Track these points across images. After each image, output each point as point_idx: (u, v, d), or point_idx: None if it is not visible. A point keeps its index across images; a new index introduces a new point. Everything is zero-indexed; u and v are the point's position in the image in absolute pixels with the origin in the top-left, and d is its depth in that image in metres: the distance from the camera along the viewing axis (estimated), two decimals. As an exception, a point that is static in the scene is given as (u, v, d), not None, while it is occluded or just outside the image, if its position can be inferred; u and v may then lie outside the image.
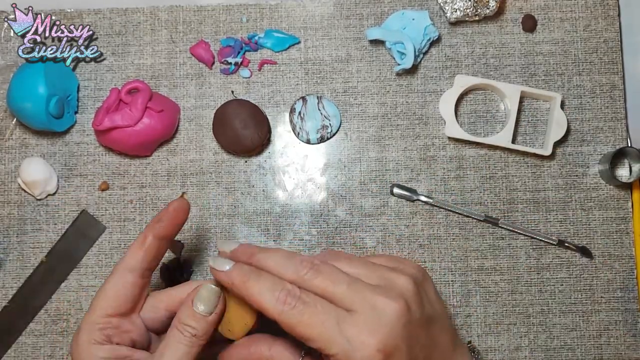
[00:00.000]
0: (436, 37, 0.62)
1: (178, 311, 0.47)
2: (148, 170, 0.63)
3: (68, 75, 0.63)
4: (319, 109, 0.62)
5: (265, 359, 0.47)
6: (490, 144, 0.61)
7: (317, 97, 0.62)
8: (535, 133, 0.63)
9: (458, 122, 0.62)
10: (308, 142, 0.62)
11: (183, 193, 0.60)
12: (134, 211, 0.62)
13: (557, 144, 0.62)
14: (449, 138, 0.62)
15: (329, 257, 0.47)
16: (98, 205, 0.62)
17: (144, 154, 0.63)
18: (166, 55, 0.64)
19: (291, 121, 0.62)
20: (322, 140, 0.62)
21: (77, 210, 0.62)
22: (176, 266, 0.61)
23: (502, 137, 0.61)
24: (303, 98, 0.62)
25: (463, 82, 0.62)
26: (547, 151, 0.61)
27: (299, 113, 0.62)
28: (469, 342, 0.51)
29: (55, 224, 0.62)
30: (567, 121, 0.61)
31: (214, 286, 0.47)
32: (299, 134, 0.62)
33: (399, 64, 0.62)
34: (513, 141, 0.61)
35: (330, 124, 0.62)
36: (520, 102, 0.62)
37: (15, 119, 0.63)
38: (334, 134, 0.63)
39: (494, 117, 0.63)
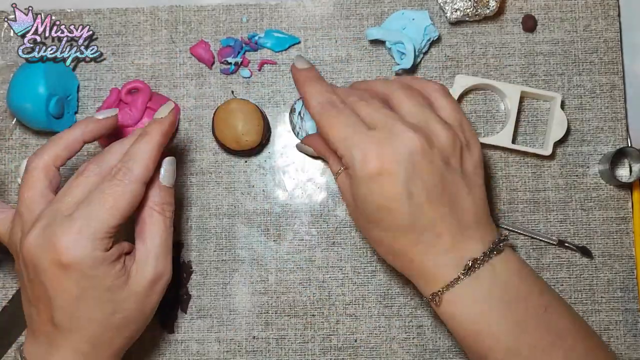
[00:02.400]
0: (436, 37, 0.62)
1: (151, 195, 0.52)
2: (148, 170, 0.63)
3: (68, 75, 0.63)
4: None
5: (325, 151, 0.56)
6: (490, 143, 0.61)
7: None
8: (535, 133, 0.63)
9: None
10: None
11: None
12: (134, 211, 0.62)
13: (557, 144, 0.62)
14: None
15: (395, 84, 0.53)
16: (98, 205, 0.62)
17: (144, 154, 0.62)
18: (166, 55, 0.64)
19: (291, 121, 0.62)
20: None
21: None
22: (176, 266, 0.61)
23: (502, 137, 0.61)
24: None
25: (463, 82, 0.62)
26: (547, 151, 0.61)
27: (299, 113, 0.62)
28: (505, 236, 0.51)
29: (55, 224, 0.62)
30: (567, 121, 0.61)
31: (173, 158, 0.53)
32: (298, 133, 0.62)
33: (398, 64, 0.62)
34: (513, 141, 0.61)
35: None
36: (520, 102, 0.62)
37: (15, 119, 0.63)
38: None
39: (494, 117, 0.63)
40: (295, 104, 0.62)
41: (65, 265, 0.47)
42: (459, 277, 0.48)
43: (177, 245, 0.62)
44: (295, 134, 0.62)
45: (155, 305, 0.53)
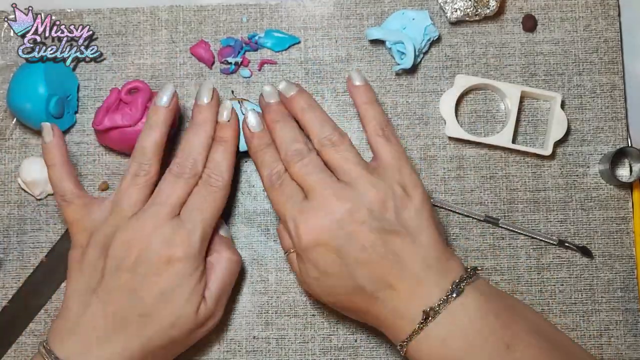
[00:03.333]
0: (436, 37, 0.62)
1: (217, 242, 0.57)
2: (148, 170, 0.63)
3: (68, 75, 0.63)
4: (242, 113, 0.58)
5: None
6: (490, 143, 0.61)
7: (239, 102, 0.59)
8: (535, 133, 0.63)
9: (458, 122, 0.62)
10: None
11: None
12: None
13: (557, 144, 0.62)
14: (449, 138, 0.62)
15: (332, 139, 0.54)
16: (98, 205, 0.62)
17: (144, 154, 0.62)
18: (166, 55, 0.64)
19: None
20: None
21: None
22: None
23: (503, 137, 0.61)
24: None
25: (463, 82, 0.62)
26: (548, 151, 0.61)
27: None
28: (474, 268, 0.51)
29: (55, 224, 0.62)
30: (568, 121, 0.61)
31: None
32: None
33: (398, 64, 0.62)
34: (513, 141, 0.61)
35: None
36: (520, 102, 0.62)
37: (15, 119, 0.63)
38: None
39: (494, 117, 0.63)
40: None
41: (175, 259, 0.51)
42: (418, 328, 0.48)
43: None
44: None
45: (194, 341, 0.56)
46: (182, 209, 0.54)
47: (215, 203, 0.54)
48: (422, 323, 0.48)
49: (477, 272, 0.51)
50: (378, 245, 0.49)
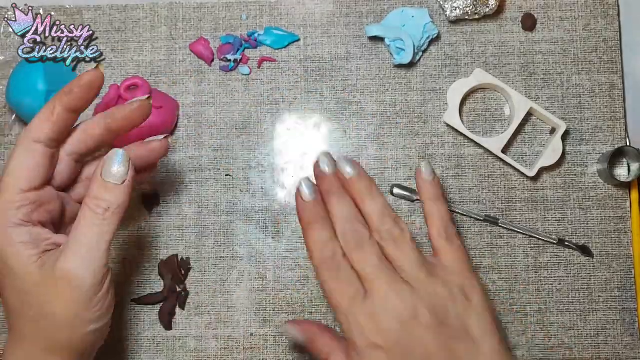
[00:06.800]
0: (435, 35, 0.63)
1: (89, 187, 0.47)
2: (147, 166, 0.63)
3: (67, 71, 0.63)
4: None
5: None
6: (481, 144, 0.61)
7: None
8: (528, 149, 0.63)
9: (460, 114, 0.62)
10: None
11: (98, 64, 0.54)
12: (132, 207, 0.62)
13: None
14: (448, 136, 0.62)
15: (393, 233, 0.50)
16: (97, 201, 0.62)
17: (143, 151, 0.63)
18: (166, 52, 0.64)
19: None
20: None
21: (75, 207, 0.63)
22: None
23: (494, 144, 0.61)
24: None
25: (481, 77, 0.61)
26: (532, 173, 0.60)
27: None
28: None
29: (54, 220, 0.62)
30: (563, 145, 0.60)
31: (121, 151, 0.48)
32: None
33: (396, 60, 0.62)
34: (506, 149, 0.61)
35: None
36: (526, 115, 0.61)
37: (14, 115, 0.63)
38: None
39: (496, 120, 0.63)
40: None
41: None
42: None
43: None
44: None
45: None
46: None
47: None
48: None
49: None
50: (443, 352, 0.47)
